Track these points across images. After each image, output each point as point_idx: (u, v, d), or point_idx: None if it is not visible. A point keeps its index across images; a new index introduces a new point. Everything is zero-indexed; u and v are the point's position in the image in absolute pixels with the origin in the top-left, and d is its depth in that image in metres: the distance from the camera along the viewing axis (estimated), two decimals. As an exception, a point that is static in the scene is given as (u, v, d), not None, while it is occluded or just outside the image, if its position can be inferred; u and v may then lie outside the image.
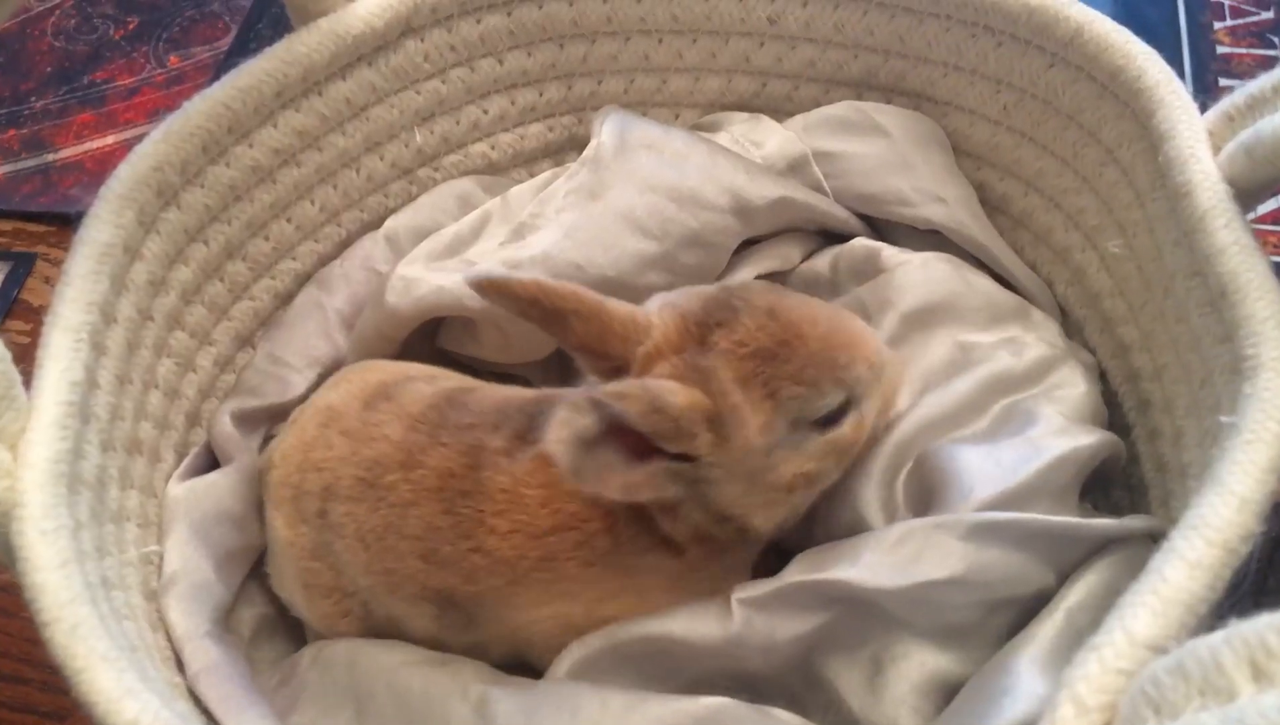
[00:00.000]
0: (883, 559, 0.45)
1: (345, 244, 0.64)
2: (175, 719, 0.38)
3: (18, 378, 0.44)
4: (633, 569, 0.49)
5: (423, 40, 0.62)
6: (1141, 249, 0.53)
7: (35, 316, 0.88)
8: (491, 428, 0.51)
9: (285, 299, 0.63)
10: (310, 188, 0.61)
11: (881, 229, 0.65)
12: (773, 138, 0.64)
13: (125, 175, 0.51)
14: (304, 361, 0.60)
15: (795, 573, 0.46)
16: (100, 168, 0.96)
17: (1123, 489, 0.56)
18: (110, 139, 0.99)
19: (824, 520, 0.51)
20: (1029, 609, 0.46)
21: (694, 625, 0.46)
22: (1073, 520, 0.46)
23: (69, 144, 0.99)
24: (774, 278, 0.63)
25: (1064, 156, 0.59)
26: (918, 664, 0.45)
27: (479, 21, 0.64)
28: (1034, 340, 0.55)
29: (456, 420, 0.52)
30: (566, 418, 0.42)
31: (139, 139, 0.53)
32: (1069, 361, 0.55)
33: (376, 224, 0.65)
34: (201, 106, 0.54)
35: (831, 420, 0.47)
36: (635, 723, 0.42)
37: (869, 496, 0.50)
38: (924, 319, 0.57)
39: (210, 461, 0.57)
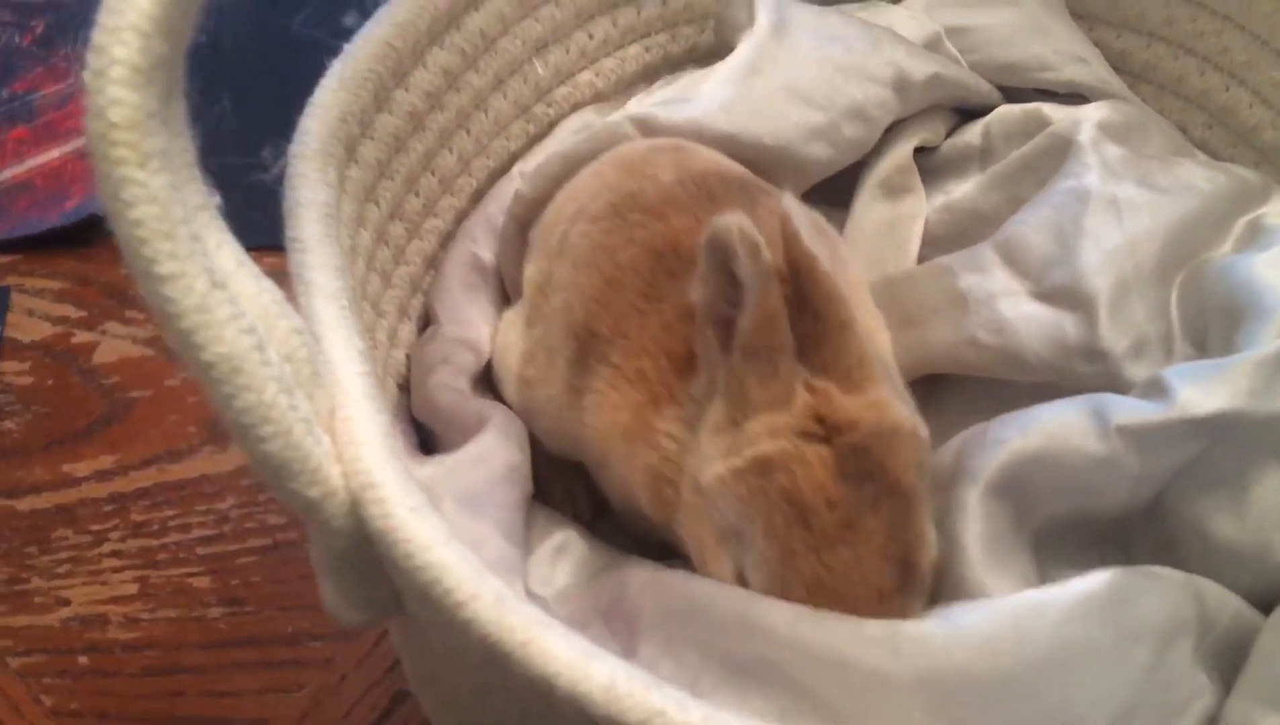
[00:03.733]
0: (1270, 384, 0.44)
1: (477, 196, 0.60)
2: (641, 674, 0.34)
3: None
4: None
5: (539, -43, 0.58)
6: (1319, 68, 0.55)
7: (29, 353, 0.79)
8: None
9: (431, 262, 0.58)
10: (450, 135, 0.57)
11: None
12: (901, 20, 0.63)
13: (316, 130, 0.46)
14: (484, 319, 0.57)
15: (1181, 402, 0.44)
16: (52, 184, 0.87)
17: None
18: (55, 152, 0.89)
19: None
20: None
21: (1073, 439, 0.45)
22: None
23: (9, 163, 0.89)
24: (924, 151, 0.63)
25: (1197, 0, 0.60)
26: (1282, 483, 0.45)
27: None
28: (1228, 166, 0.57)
29: (731, 204, 0.49)
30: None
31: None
32: (1268, 180, 0.56)
33: (502, 171, 0.61)
34: (368, 49, 0.49)
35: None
36: (1052, 617, 0.40)
37: (1141, 318, 0.50)
38: (1118, 133, 0.57)
39: (416, 436, 0.53)
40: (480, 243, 0.58)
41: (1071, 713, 0.39)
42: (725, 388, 0.43)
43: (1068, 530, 0.47)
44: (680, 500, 0.46)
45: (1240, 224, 0.53)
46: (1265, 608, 0.45)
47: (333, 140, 0.46)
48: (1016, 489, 0.45)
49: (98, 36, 0.32)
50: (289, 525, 0.71)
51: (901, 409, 0.44)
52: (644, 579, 0.46)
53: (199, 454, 0.74)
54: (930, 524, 0.43)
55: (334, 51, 0.49)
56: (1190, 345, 0.51)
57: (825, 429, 0.42)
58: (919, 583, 0.42)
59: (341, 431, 0.38)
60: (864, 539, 0.41)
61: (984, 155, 0.62)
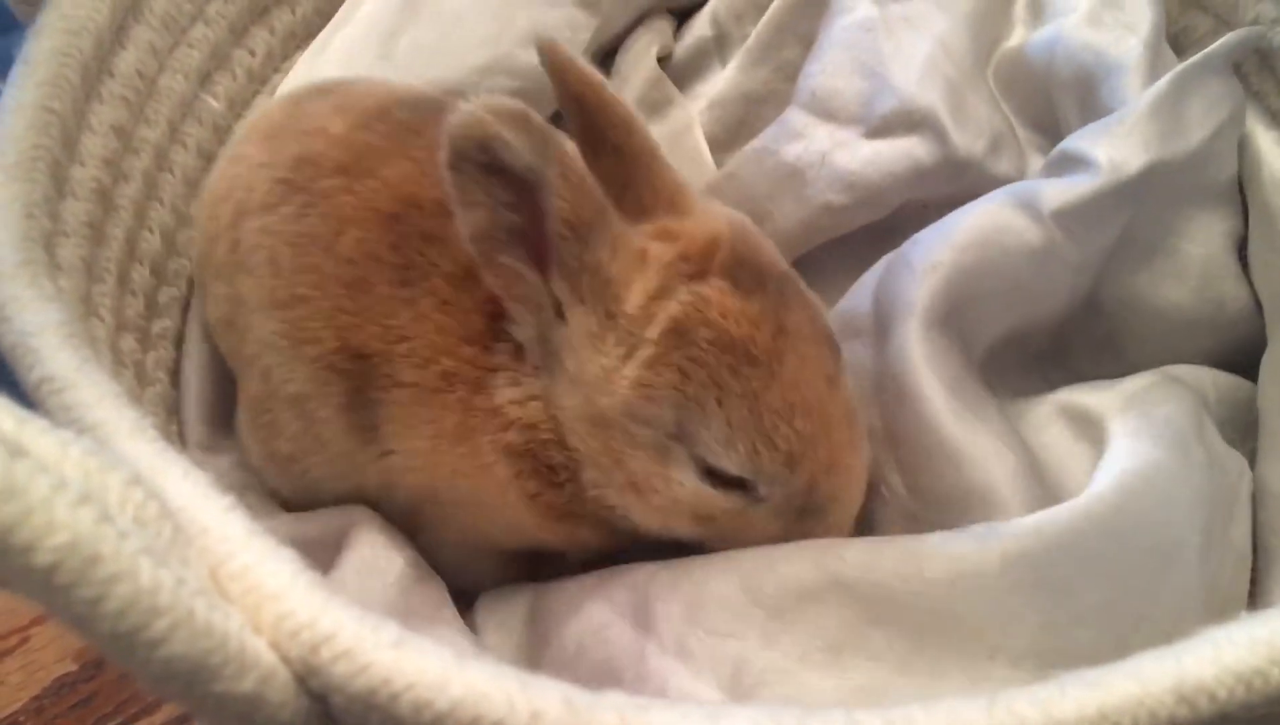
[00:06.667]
0: (1173, 123, 0.42)
1: (190, 277, 0.48)
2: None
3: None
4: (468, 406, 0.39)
5: (172, -28, 0.47)
6: None
7: None
8: None
9: (175, 374, 0.46)
10: (143, 211, 0.44)
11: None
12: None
13: (3, 237, 0.34)
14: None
15: (1108, 166, 0.41)
16: None
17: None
18: None
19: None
20: None
21: (1008, 238, 0.41)
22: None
23: None
24: (663, 62, 0.57)
25: None
26: (1219, 229, 0.43)
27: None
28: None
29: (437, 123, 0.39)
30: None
31: None
32: None
33: (211, 239, 0.49)
34: (24, 121, 0.36)
35: (718, 478, 0.37)
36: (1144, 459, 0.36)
37: (985, 115, 0.48)
38: None
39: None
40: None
41: (1172, 539, 0.35)
42: (574, 291, 0.36)
43: (1008, 350, 0.43)
44: (583, 454, 0.38)
45: (1019, 6, 0.51)
46: (1228, 368, 0.43)
47: (28, 244, 0.34)
48: (959, 311, 0.41)
49: None
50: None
51: (726, 208, 0.40)
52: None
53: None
54: None
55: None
56: (1034, 131, 0.49)
57: (696, 263, 0.36)
58: (839, 350, 0.39)
59: (242, 589, 0.27)
60: (797, 337, 0.37)
61: (720, 43, 0.57)
